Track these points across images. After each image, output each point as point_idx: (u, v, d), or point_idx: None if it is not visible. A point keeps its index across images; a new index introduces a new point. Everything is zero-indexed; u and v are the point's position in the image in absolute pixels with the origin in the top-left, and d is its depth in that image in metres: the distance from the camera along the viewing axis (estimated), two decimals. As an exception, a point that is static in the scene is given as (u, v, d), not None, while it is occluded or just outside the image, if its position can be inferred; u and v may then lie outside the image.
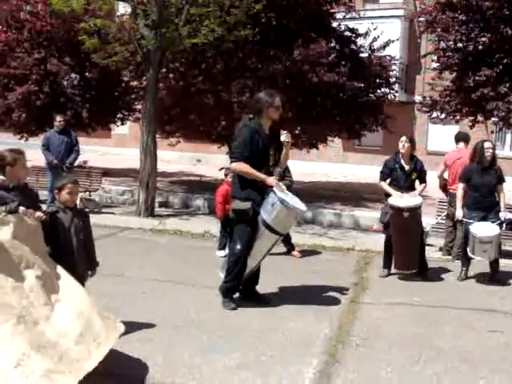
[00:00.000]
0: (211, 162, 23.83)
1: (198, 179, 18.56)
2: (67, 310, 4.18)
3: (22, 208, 4.50)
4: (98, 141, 26.66)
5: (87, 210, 11.81)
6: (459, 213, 7.90)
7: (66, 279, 4.49)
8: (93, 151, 23.64)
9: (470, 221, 7.71)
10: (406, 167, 7.81)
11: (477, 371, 4.77)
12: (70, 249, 4.90)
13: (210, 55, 12.99)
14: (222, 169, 14.46)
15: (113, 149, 28.24)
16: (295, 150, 15.78)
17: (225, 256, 8.48)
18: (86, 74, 17.21)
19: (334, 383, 4.47)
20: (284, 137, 6.23)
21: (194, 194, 14.38)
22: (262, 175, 6.04)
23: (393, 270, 7.92)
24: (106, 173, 14.53)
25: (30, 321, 3.83)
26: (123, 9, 13.15)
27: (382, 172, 8.00)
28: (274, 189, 6.03)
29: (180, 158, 24.83)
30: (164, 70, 13.13)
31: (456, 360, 4.99)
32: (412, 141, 7.90)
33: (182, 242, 9.88)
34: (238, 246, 6.14)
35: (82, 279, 4.83)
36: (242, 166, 6.05)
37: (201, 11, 11.31)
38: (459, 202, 7.96)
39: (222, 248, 8.85)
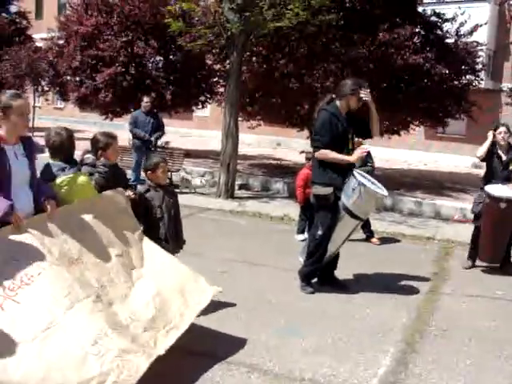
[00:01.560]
0: (291, 145, 23.85)
1: (277, 163, 18.63)
2: (146, 289, 4.32)
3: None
4: (180, 122, 27.12)
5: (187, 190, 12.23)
6: None
7: (153, 253, 4.64)
8: (174, 132, 24.08)
9: None
10: (504, 157, 7.58)
11: (562, 370, 4.64)
12: (163, 225, 5.11)
13: (294, 39, 12.96)
14: (302, 152, 14.52)
15: (194, 130, 28.67)
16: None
17: (303, 240, 8.53)
18: (171, 56, 17.54)
19: (412, 372, 4.45)
20: (364, 95, 6.13)
21: (273, 177, 14.44)
22: (345, 157, 6.05)
23: (476, 263, 7.75)
24: (188, 154, 14.78)
25: (105, 301, 3.97)
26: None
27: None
28: (355, 173, 6.02)
29: (260, 141, 24.95)
30: (247, 53, 13.19)
31: (539, 358, 4.87)
32: (509, 130, 7.66)
33: (261, 224, 9.98)
34: (319, 232, 6.16)
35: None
36: (325, 153, 6.05)
37: (286, -6, 11.29)
38: None
39: (300, 232, 8.90)
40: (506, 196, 7.21)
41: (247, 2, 11.55)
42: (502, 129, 7.56)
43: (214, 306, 5.30)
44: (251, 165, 16.95)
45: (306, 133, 16.03)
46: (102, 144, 4.91)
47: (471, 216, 10.94)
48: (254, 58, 14.00)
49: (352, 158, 6.08)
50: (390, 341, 5.03)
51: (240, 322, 5.21)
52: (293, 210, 10.47)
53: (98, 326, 3.69)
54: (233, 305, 5.61)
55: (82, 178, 4.54)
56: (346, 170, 6.09)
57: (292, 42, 13.12)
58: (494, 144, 7.61)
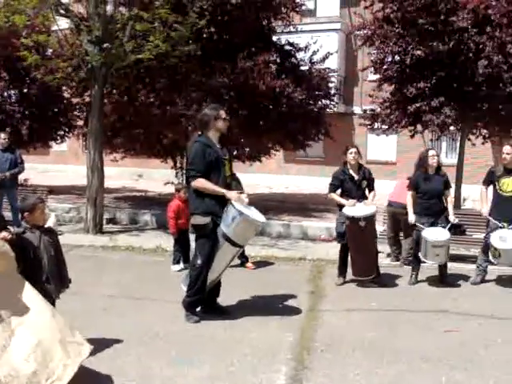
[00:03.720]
0: (152, 176, 23.80)
1: (142, 194, 18.50)
2: (26, 338, 4.13)
3: None
4: (37, 158, 26.19)
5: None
6: (411, 218, 8.20)
7: (32, 300, 4.43)
8: (31, 168, 23.14)
9: (422, 226, 8.02)
10: (356, 177, 8.04)
11: (438, 369, 5.00)
12: (41, 267, 4.90)
13: (155, 70, 13.00)
14: (167, 183, 14.54)
15: (51, 166, 27.81)
16: (238, 162, 15.98)
17: (179, 270, 8.58)
18: (25, 90, 16.93)
19: (306, 388, 4.61)
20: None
21: (140, 209, 14.30)
22: (222, 190, 6.14)
23: (347, 278, 8.14)
24: (51, 190, 14.28)
25: None
26: (66, 24, 13.00)
27: (331, 184, 8.16)
28: (233, 201, 6.14)
29: (121, 173, 24.63)
30: (108, 85, 13.04)
31: (417, 360, 5.21)
32: (359, 151, 8.14)
33: (134, 257, 9.86)
34: (199, 261, 6.20)
35: (52, 297, 4.82)
36: (202, 183, 6.11)
37: (145, 27, 11.33)
38: (410, 208, 8.27)
39: (176, 262, 8.90)
40: (362, 215, 7.67)
41: (107, 34, 11.48)
42: (353, 150, 8.02)
43: (102, 344, 5.20)
44: (116, 198, 16.71)
45: (169, 163, 16.09)
46: None
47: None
48: (114, 90, 13.88)
49: (229, 195, 6.13)
50: (281, 360, 5.15)
51: (131, 357, 5.12)
52: (165, 240, 10.48)
53: None
54: (121, 341, 5.49)
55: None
56: (223, 199, 6.19)
57: (153, 73, 13.16)
58: (345, 164, 8.08)
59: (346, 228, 7.83)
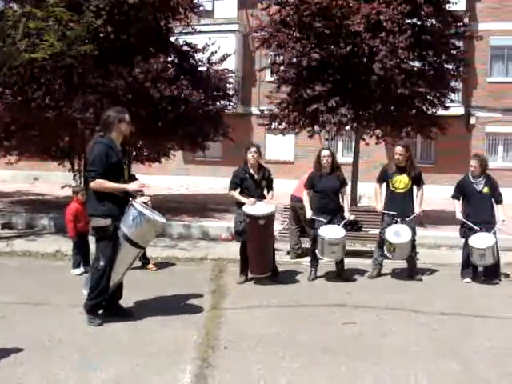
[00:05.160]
0: (49, 179, 23.17)
1: (38, 198, 17.97)
2: None
3: None
4: None
5: None
6: (309, 214, 8.46)
7: None
8: None
9: (321, 219, 8.30)
10: (256, 176, 8.20)
11: (338, 360, 5.22)
12: None
13: (50, 70, 12.65)
14: (65, 186, 14.20)
15: None
16: (138, 164, 15.85)
17: (80, 274, 8.44)
18: None
19: (212, 385, 4.68)
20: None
21: (37, 213, 13.90)
22: (121, 185, 6.14)
23: (249, 276, 8.29)
24: None
25: None
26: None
27: (231, 182, 8.30)
28: (134, 203, 6.12)
29: (15, 176, 23.81)
30: (0, 85, 12.57)
31: (318, 352, 5.42)
32: (259, 150, 8.31)
33: (33, 263, 9.59)
34: (101, 263, 6.15)
35: None
36: (101, 183, 6.07)
37: (39, 25, 11.01)
38: (307, 204, 8.53)
39: (76, 266, 8.75)
40: (263, 213, 7.86)
41: (-3, 31, 11.10)
42: (253, 149, 8.19)
43: (3, 353, 5.09)
44: (12, 202, 16.16)
45: (67, 165, 15.72)
46: None
47: (235, 234, 11.73)
48: (8, 91, 13.38)
49: (130, 187, 6.18)
50: (186, 359, 5.20)
51: (33, 364, 4.99)
52: (64, 244, 10.26)
53: None
54: (22, 349, 5.32)
55: None
56: (123, 200, 6.17)
57: (48, 73, 12.80)
58: (245, 163, 8.24)
59: (246, 226, 7.97)
